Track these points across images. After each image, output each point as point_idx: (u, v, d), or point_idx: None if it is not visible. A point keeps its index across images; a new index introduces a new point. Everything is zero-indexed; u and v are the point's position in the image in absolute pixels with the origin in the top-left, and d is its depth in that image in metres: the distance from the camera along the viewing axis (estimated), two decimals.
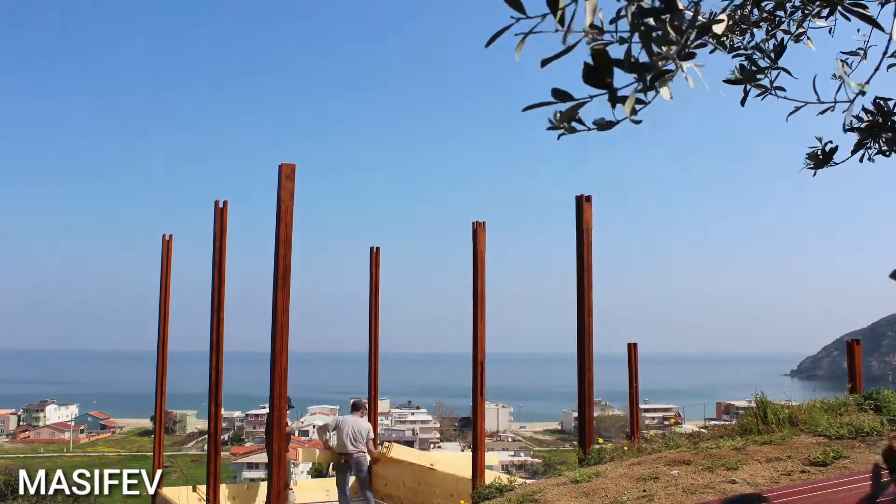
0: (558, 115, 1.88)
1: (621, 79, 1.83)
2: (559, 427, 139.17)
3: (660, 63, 1.82)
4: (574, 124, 1.92)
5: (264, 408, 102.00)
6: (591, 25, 1.73)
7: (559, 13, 1.68)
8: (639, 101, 1.84)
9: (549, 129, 1.94)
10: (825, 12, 2.68)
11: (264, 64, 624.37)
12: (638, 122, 1.88)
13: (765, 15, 2.71)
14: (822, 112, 2.79)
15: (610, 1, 1.88)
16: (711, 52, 2.20)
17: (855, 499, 3.80)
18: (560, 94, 1.77)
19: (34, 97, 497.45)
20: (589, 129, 1.94)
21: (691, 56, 1.89)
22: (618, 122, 1.88)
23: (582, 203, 8.82)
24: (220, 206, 9.74)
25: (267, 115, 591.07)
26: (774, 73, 2.78)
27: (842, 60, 3.01)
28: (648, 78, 1.82)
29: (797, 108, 2.77)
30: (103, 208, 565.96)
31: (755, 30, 2.75)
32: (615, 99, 1.78)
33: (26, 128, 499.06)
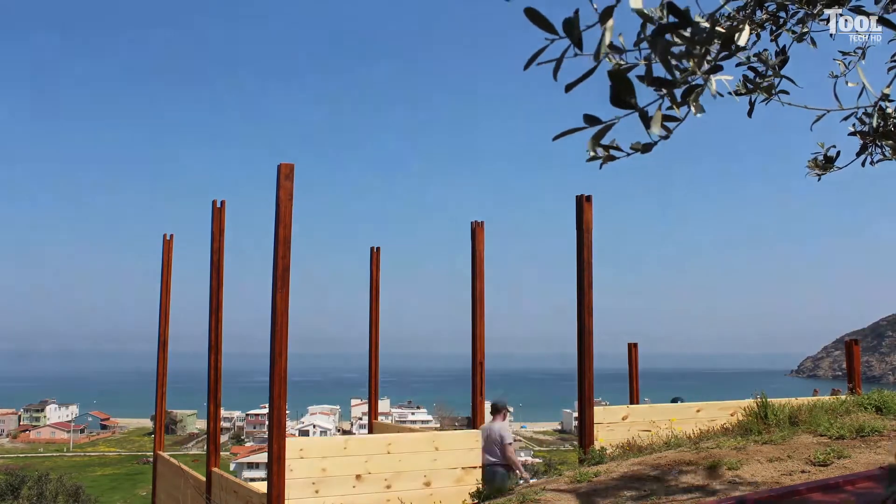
0: (592, 143, 1.85)
1: (650, 97, 1.82)
2: (559, 427, 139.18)
3: (688, 78, 1.81)
4: (612, 152, 1.90)
5: (264, 407, 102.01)
6: (611, 46, 1.72)
7: (576, 37, 1.67)
8: (672, 118, 1.82)
9: (588, 160, 1.92)
10: (826, 13, 2.68)
11: (264, 63, 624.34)
12: (665, 138, 1.87)
13: (767, 16, 2.71)
14: (846, 118, 2.79)
15: (632, 24, 1.86)
16: (725, 58, 2.20)
17: (864, 500, 3.79)
18: (591, 120, 1.75)
19: (33, 96, 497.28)
20: (628, 155, 1.93)
21: (718, 69, 1.88)
22: (655, 143, 1.86)
23: (582, 203, 8.81)
24: (218, 206, 9.72)
25: (266, 115, 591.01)
26: (778, 79, 2.77)
27: (841, 61, 3.00)
28: (679, 94, 1.81)
29: (819, 118, 2.76)
30: (104, 208, 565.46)
31: (760, 31, 2.75)
32: (647, 119, 1.76)
33: (25, 127, 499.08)
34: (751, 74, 2.72)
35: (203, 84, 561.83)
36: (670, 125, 1.85)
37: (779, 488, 4.83)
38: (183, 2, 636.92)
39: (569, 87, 1.71)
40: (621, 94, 1.69)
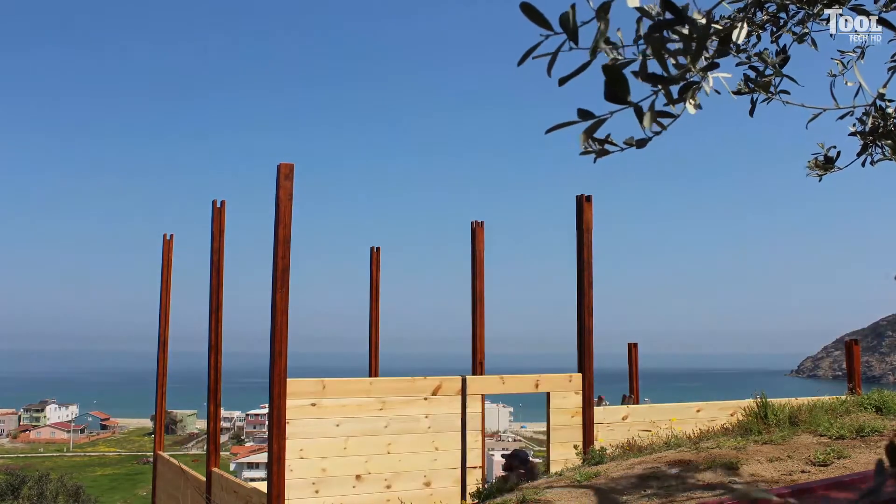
0: (584, 136, 1.85)
1: (646, 92, 1.82)
2: None
3: (685, 75, 1.81)
4: (606, 146, 1.91)
5: (264, 407, 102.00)
6: (607, 41, 1.72)
7: (572, 32, 1.67)
8: (668, 114, 1.82)
9: (582, 153, 1.92)
10: (826, 13, 2.68)
11: (265, 64, 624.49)
12: (658, 133, 1.87)
13: (767, 17, 2.71)
14: (841, 118, 2.79)
15: (629, 19, 1.87)
16: (721, 56, 2.20)
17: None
18: (584, 114, 1.76)
19: (34, 95, 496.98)
20: (622, 149, 1.93)
21: (715, 66, 1.89)
22: (649, 138, 1.86)
23: (582, 203, 8.82)
24: (218, 206, 9.72)
25: (267, 115, 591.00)
26: (778, 78, 2.76)
27: (839, 60, 3.00)
28: (676, 90, 1.81)
29: (815, 116, 2.76)
30: (104, 208, 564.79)
31: (760, 32, 2.74)
32: (641, 115, 1.77)
33: (25, 126, 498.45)
34: (752, 74, 2.71)
35: (203, 83, 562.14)
36: (665, 121, 1.85)
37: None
38: (183, 2, 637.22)
39: (563, 81, 1.71)
40: (615, 89, 1.70)
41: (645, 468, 5.83)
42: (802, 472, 5.29)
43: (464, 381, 8.15)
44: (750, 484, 5.09)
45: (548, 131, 1.78)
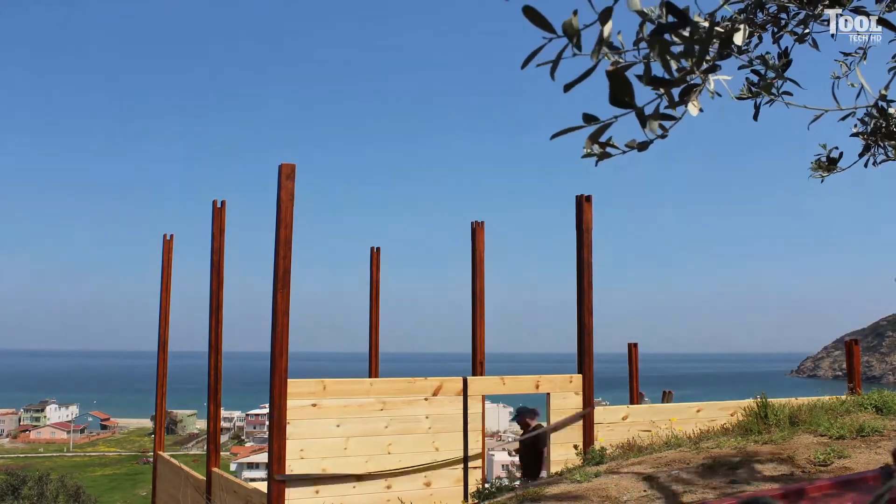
0: (589, 140, 1.85)
1: (649, 95, 1.82)
2: None
3: (687, 77, 1.81)
4: (608, 149, 1.91)
5: (264, 407, 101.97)
6: (610, 45, 1.72)
7: (575, 37, 1.67)
8: (669, 117, 1.82)
9: (583, 156, 1.92)
10: (827, 14, 2.68)
11: (266, 64, 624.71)
12: (663, 136, 1.87)
13: (768, 18, 2.71)
14: (843, 118, 2.79)
15: (632, 24, 1.87)
16: (724, 58, 2.20)
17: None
18: (589, 118, 1.76)
19: (33, 93, 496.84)
20: (624, 152, 1.93)
21: (716, 68, 1.89)
22: (651, 141, 1.87)
23: (582, 203, 8.82)
24: (219, 206, 9.72)
25: (268, 115, 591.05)
26: (781, 80, 2.76)
27: (843, 62, 3.00)
28: (677, 93, 1.81)
29: (817, 117, 2.76)
30: (103, 208, 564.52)
31: (761, 33, 2.74)
32: (644, 118, 1.77)
33: (25, 124, 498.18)
34: (754, 78, 2.71)
35: (203, 82, 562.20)
36: (667, 124, 1.85)
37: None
38: (183, 0, 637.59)
39: (567, 87, 1.71)
40: (620, 93, 1.70)
41: (645, 468, 5.83)
42: (803, 471, 5.29)
43: (465, 382, 8.16)
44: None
45: (553, 136, 1.78)
